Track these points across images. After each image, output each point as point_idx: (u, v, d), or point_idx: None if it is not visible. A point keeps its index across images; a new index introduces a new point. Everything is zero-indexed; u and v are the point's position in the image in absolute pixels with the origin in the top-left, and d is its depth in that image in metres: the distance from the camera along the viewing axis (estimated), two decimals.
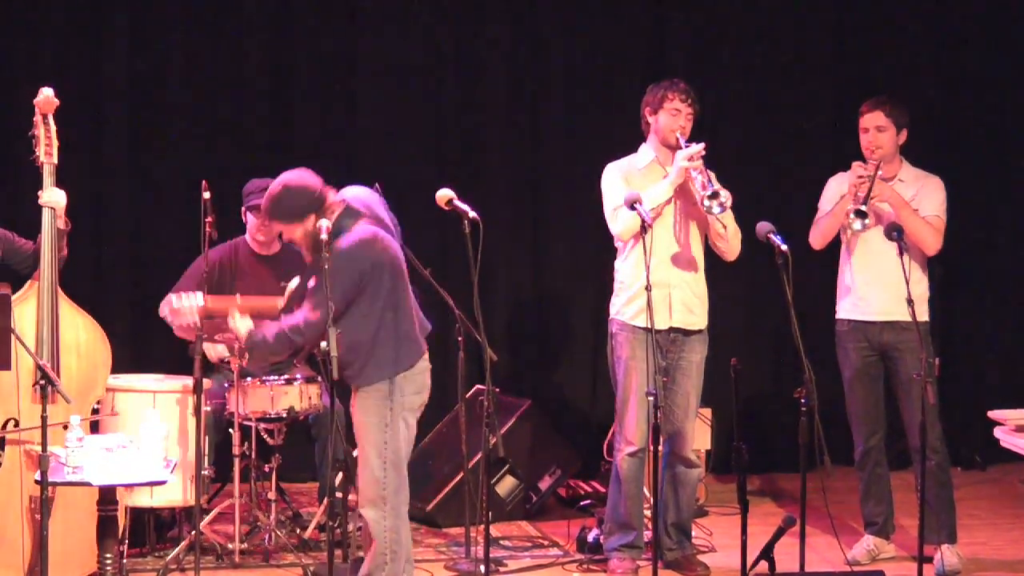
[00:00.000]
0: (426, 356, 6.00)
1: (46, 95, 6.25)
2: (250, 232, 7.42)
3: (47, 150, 6.23)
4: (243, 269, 7.35)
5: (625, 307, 6.71)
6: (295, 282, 6.00)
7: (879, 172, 6.83)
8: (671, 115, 6.71)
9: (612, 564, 6.79)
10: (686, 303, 6.72)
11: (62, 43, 8.37)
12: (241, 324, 5.90)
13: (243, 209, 7.38)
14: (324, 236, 5.73)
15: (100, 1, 8.45)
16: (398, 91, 8.79)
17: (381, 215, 5.99)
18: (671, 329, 6.71)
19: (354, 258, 5.72)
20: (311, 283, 5.72)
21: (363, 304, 5.78)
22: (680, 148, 6.63)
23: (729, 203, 6.56)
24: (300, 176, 5.88)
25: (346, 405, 6.18)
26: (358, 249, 5.74)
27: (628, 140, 8.10)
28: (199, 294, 6.13)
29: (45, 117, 6.24)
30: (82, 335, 6.29)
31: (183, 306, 6.06)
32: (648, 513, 6.82)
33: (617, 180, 6.70)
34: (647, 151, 6.81)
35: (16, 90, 8.18)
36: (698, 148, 6.58)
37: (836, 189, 6.97)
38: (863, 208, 6.71)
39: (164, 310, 7.13)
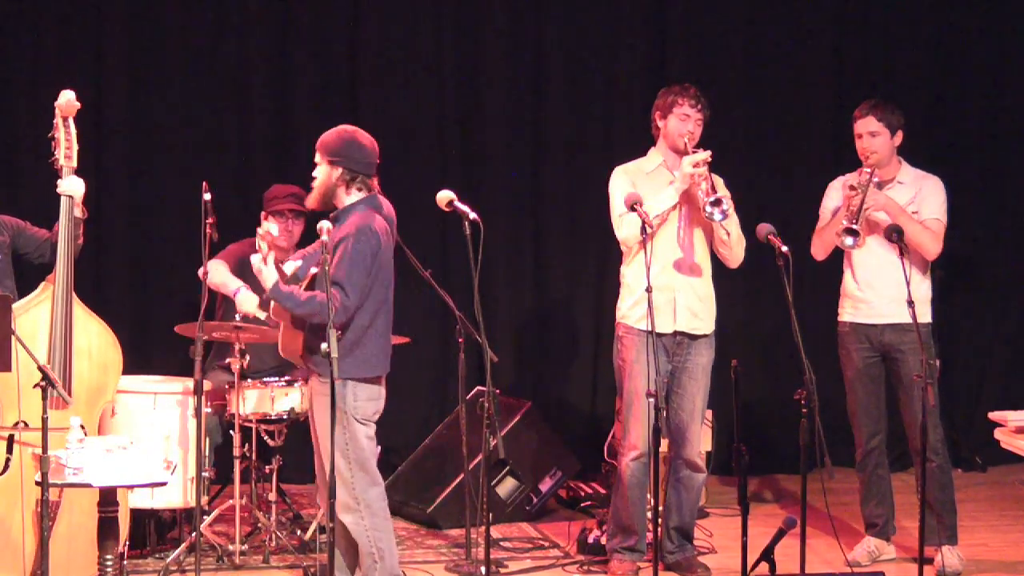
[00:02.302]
0: (383, 382, 6.01)
1: (67, 98, 6.26)
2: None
3: (67, 153, 6.25)
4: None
5: (630, 311, 6.71)
6: (299, 262, 5.99)
7: (873, 180, 6.82)
8: (680, 120, 6.70)
9: (613, 565, 6.79)
10: (690, 307, 6.72)
11: (63, 44, 8.38)
12: (271, 271, 5.79)
13: (264, 214, 7.34)
14: (325, 238, 5.75)
15: (101, 3, 8.46)
16: (399, 94, 8.80)
17: (394, 232, 6.02)
18: (676, 333, 6.71)
19: (374, 239, 5.80)
20: (341, 270, 5.73)
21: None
22: (688, 154, 6.63)
23: (731, 211, 6.56)
24: (371, 140, 6.03)
25: None
26: (377, 233, 5.83)
27: (628, 142, 8.12)
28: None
29: (65, 120, 6.26)
30: (94, 339, 6.30)
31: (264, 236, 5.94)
32: (650, 515, 6.82)
33: (624, 184, 6.69)
34: (655, 155, 6.81)
35: (16, 93, 8.21)
36: (704, 155, 6.58)
37: (836, 196, 6.97)
38: (854, 227, 6.70)
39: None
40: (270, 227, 6.01)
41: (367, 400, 5.91)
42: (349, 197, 5.94)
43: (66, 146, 6.25)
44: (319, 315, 5.68)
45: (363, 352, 5.87)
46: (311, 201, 6.04)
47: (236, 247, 7.34)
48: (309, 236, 7.38)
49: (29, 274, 6.46)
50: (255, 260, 5.84)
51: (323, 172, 5.95)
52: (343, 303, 5.73)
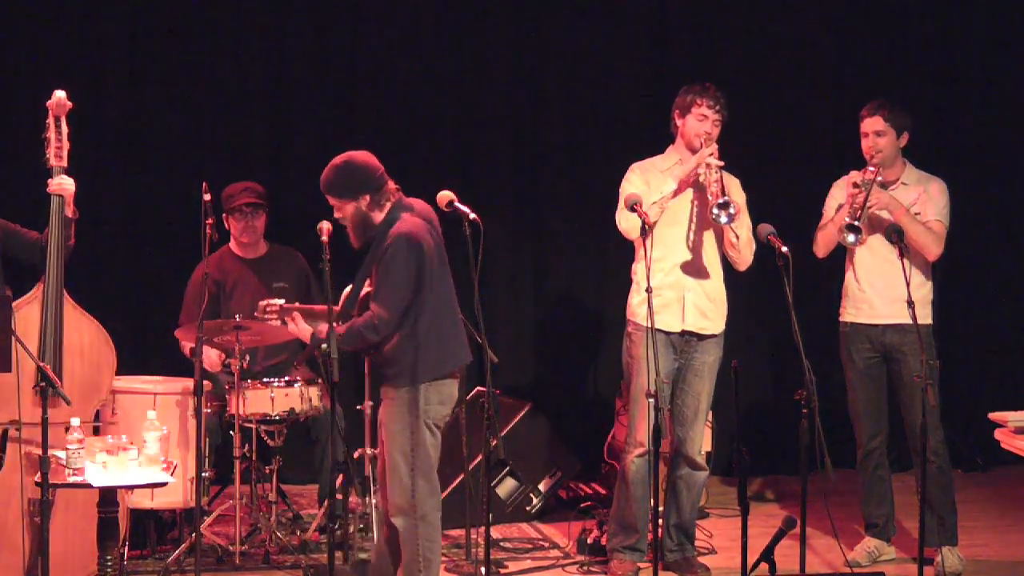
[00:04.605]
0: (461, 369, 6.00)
1: (58, 97, 6.24)
2: (235, 236, 7.43)
3: (57, 153, 6.22)
4: (233, 278, 7.36)
5: (638, 308, 6.71)
6: (348, 288, 6.02)
7: (878, 179, 6.82)
8: (698, 120, 6.70)
9: (613, 565, 6.79)
10: (700, 307, 6.73)
11: (63, 45, 8.38)
12: (304, 327, 5.93)
13: (224, 215, 7.37)
14: (325, 238, 5.75)
15: (100, 4, 8.46)
16: (398, 93, 8.80)
17: (435, 229, 5.95)
18: (684, 332, 6.72)
19: (414, 243, 5.75)
20: (380, 288, 5.74)
21: (416, 298, 5.78)
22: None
23: (739, 215, 6.56)
24: (365, 155, 5.90)
25: (346, 407, 6.16)
26: (416, 235, 5.77)
27: (628, 142, 8.12)
28: (278, 301, 6.15)
29: (57, 120, 6.23)
30: (86, 338, 6.29)
31: (268, 311, 6.07)
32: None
33: (635, 181, 6.70)
34: (672, 154, 6.81)
35: (16, 94, 8.20)
36: (717, 163, 6.57)
37: (840, 194, 6.97)
38: (856, 223, 6.71)
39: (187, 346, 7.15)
40: (269, 301, 6.06)
41: (438, 404, 5.86)
42: (382, 214, 5.86)
43: (57, 146, 6.22)
44: (364, 339, 5.71)
45: (429, 354, 5.80)
46: (356, 242, 5.89)
47: (197, 274, 7.32)
48: (273, 228, 7.42)
49: (23, 276, 6.42)
50: (291, 328, 5.94)
51: (350, 210, 5.84)
52: (379, 318, 5.71)
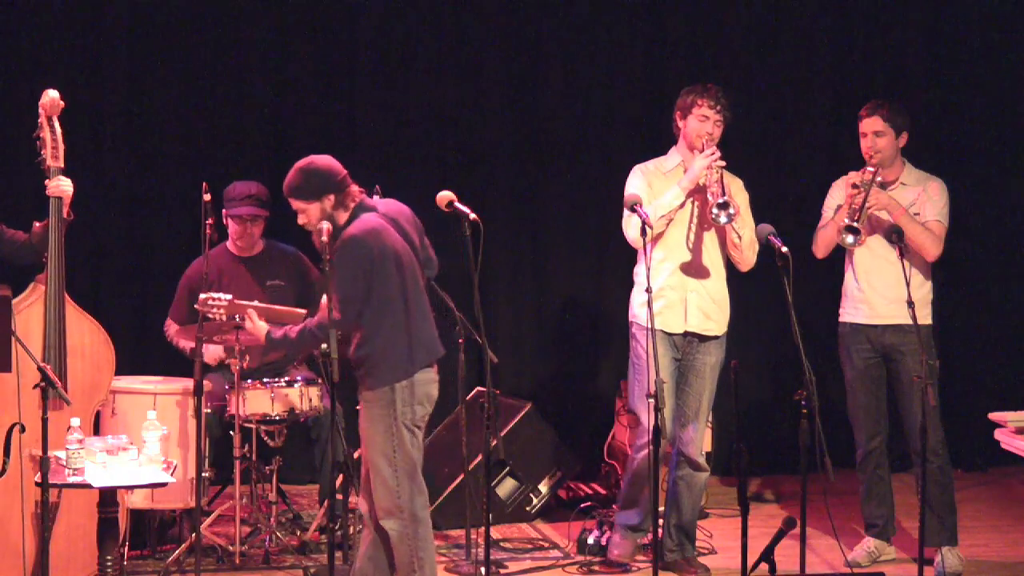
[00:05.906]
0: (435, 368, 5.97)
1: (51, 97, 6.21)
2: (232, 236, 7.41)
3: (53, 153, 6.19)
4: (226, 274, 7.34)
5: (640, 309, 6.71)
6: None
7: (877, 179, 6.82)
8: (699, 120, 6.70)
9: (615, 539, 6.85)
10: (703, 308, 6.73)
11: (62, 44, 8.37)
12: (259, 326, 5.99)
13: (224, 213, 7.36)
14: (324, 238, 5.74)
15: (100, 3, 8.46)
16: (398, 94, 8.79)
17: (404, 227, 5.95)
18: (686, 333, 6.72)
19: (361, 244, 5.73)
20: (332, 290, 5.74)
21: (372, 296, 5.77)
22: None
23: (737, 216, 6.55)
24: (326, 158, 5.90)
25: (346, 407, 6.16)
26: (365, 236, 5.74)
27: (627, 143, 8.11)
28: (227, 296, 6.26)
29: (51, 119, 6.20)
30: (86, 338, 6.28)
31: (209, 304, 6.19)
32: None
33: (638, 184, 6.70)
34: (675, 155, 6.81)
35: (15, 93, 8.19)
36: (720, 163, 6.56)
37: (839, 194, 6.97)
38: (855, 224, 6.70)
39: (172, 332, 7.18)
40: (211, 295, 6.25)
41: (415, 404, 5.84)
42: (346, 215, 5.85)
43: (52, 146, 6.19)
44: (315, 342, 5.71)
45: (396, 353, 5.79)
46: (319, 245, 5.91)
47: (193, 269, 7.31)
48: (274, 227, 7.43)
49: (21, 276, 6.41)
50: (247, 326, 6.03)
51: (315, 212, 5.82)
52: (331, 319, 5.70)
